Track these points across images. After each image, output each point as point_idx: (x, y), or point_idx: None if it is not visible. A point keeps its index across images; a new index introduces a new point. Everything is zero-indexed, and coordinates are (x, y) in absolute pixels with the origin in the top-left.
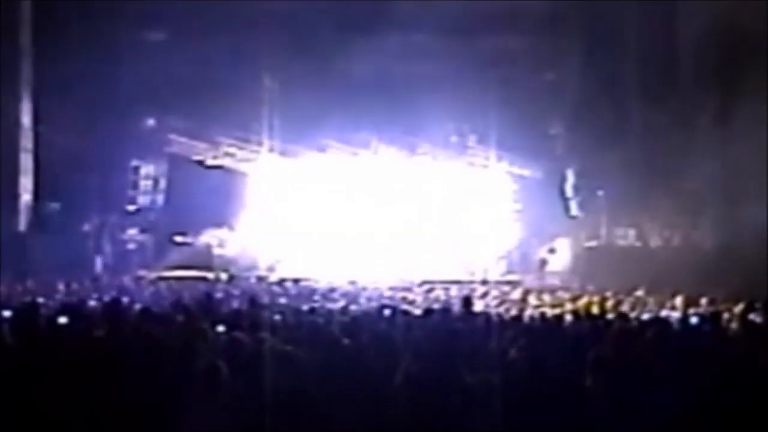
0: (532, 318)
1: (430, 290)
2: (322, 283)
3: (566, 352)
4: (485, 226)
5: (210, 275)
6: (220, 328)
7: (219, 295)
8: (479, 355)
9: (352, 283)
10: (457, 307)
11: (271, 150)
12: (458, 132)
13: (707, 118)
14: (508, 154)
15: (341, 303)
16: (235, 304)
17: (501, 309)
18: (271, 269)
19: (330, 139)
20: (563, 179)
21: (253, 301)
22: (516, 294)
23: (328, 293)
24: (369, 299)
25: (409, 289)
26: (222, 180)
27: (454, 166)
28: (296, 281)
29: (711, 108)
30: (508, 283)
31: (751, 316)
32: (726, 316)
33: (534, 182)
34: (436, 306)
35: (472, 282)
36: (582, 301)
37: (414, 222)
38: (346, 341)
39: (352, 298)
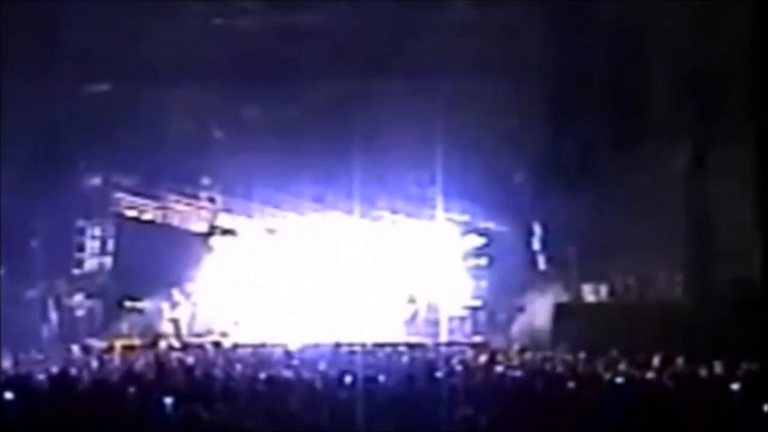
0: (500, 383)
1: (393, 353)
2: (278, 348)
3: (539, 419)
4: (448, 283)
5: (162, 342)
6: (174, 401)
7: (172, 364)
8: (444, 424)
9: (313, 346)
10: (421, 372)
11: (223, 206)
12: (418, 183)
13: (681, 164)
14: (472, 206)
15: (299, 370)
16: (189, 373)
17: (467, 373)
18: (225, 334)
19: (284, 193)
20: (530, 232)
21: (208, 370)
22: (483, 357)
23: (286, 359)
24: (329, 364)
25: (371, 353)
26: (173, 240)
27: (414, 220)
28: (252, 346)
29: (684, 155)
30: (474, 345)
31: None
32: (704, 375)
33: (499, 235)
34: (399, 370)
35: (436, 345)
36: (553, 363)
37: (373, 281)
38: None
39: (311, 363)
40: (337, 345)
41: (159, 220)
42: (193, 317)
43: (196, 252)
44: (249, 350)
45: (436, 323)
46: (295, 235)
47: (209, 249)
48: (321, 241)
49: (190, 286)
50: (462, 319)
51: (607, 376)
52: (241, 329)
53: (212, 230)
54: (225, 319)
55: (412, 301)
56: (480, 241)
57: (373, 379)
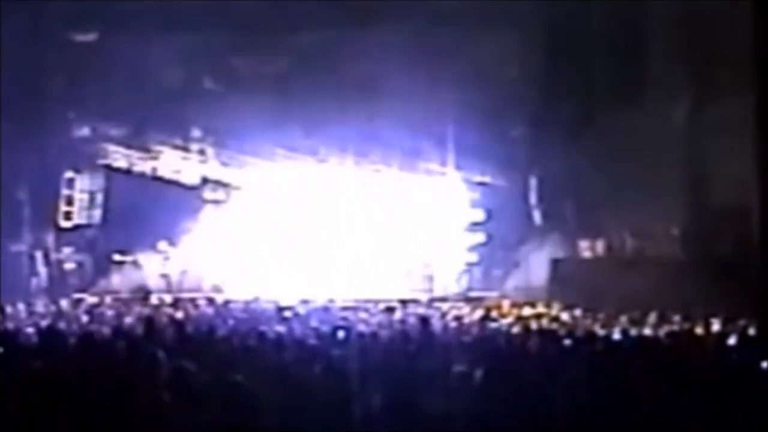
0: (495, 339)
1: (387, 309)
2: (271, 303)
3: (534, 377)
4: (443, 239)
5: (153, 297)
6: (165, 356)
7: (163, 319)
8: (440, 381)
9: (304, 302)
10: (415, 328)
11: (215, 158)
12: (412, 136)
13: (680, 117)
14: (468, 159)
15: (292, 325)
16: (180, 328)
17: (462, 329)
18: (217, 289)
19: (277, 146)
20: (526, 186)
21: (199, 325)
22: (478, 312)
23: (278, 315)
24: (322, 320)
25: (364, 309)
26: (164, 193)
27: (408, 174)
28: (245, 302)
29: (683, 108)
30: (470, 300)
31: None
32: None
33: (495, 190)
34: (394, 327)
35: (431, 300)
36: (548, 319)
37: (367, 236)
38: (297, 370)
39: (304, 319)
40: (331, 301)
41: (149, 172)
42: (184, 272)
43: (188, 205)
44: (241, 305)
45: (431, 279)
46: (288, 188)
47: (201, 202)
48: (314, 194)
49: (181, 240)
50: (457, 274)
51: (603, 332)
52: (233, 284)
53: (204, 183)
54: (217, 274)
55: (406, 256)
56: (476, 195)
57: (366, 335)
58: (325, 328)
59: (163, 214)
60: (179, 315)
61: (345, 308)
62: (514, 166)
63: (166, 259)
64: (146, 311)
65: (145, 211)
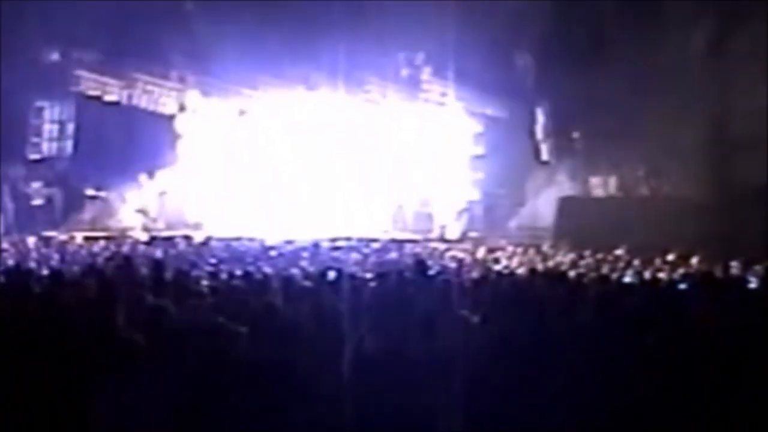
0: (498, 282)
1: (380, 250)
2: (255, 242)
3: (539, 321)
4: (442, 175)
5: (129, 235)
6: (141, 297)
7: (138, 258)
8: (438, 326)
9: (289, 242)
10: (410, 270)
11: (195, 86)
12: (410, 64)
13: (697, 47)
14: (469, 89)
15: (278, 265)
16: (157, 267)
17: (462, 271)
18: (197, 226)
19: (263, 74)
20: (533, 119)
21: (179, 264)
22: (479, 253)
23: (263, 254)
24: (310, 260)
25: (356, 249)
26: (141, 123)
27: (405, 104)
28: (227, 241)
29: (701, 37)
30: (470, 240)
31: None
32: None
33: (499, 123)
34: (387, 268)
35: (428, 240)
36: (556, 262)
37: (359, 171)
38: (285, 311)
39: (291, 259)
40: (320, 240)
41: (124, 100)
42: (162, 207)
43: (166, 136)
44: (223, 244)
45: (428, 218)
46: (275, 119)
47: (180, 133)
48: (303, 126)
49: (159, 174)
50: (457, 213)
51: (615, 275)
52: (214, 222)
53: (183, 112)
54: (198, 211)
55: (402, 194)
56: (478, 127)
57: (357, 276)
58: (315, 269)
59: (139, 146)
60: (157, 253)
61: (335, 248)
62: (519, 97)
63: (143, 194)
64: (121, 249)
65: (120, 142)
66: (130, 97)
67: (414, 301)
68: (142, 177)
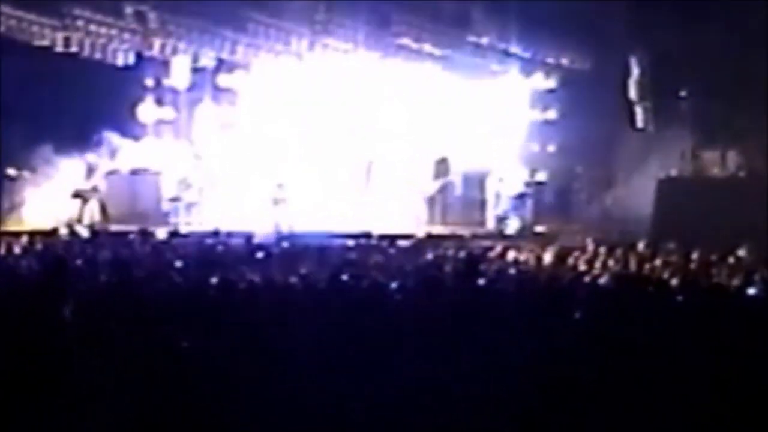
0: (571, 293)
1: (412, 250)
2: (239, 238)
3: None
4: (497, 147)
5: (64, 230)
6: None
7: (78, 262)
8: (492, 363)
9: (286, 238)
10: (450, 277)
11: (160, 27)
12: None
13: None
14: (537, 33)
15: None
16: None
17: (526, 280)
18: (166, 217)
19: (256, 14)
20: (626, 72)
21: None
22: (548, 255)
23: (249, 254)
24: (314, 264)
25: (378, 249)
26: (86, 77)
27: (449, 55)
28: (201, 236)
29: None
30: (537, 236)
31: None
32: None
33: (578, 77)
34: (419, 273)
35: (477, 237)
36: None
37: (390, 148)
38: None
39: (287, 262)
40: (328, 236)
41: (62, 47)
42: (114, 192)
43: (121, 95)
44: (195, 241)
45: (480, 205)
46: (269, 78)
47: (141, 92)
48: (308, 87)
49: (111, 145)
50: (519, 198)
51: (734, 284)
52: (186, 212)
53: (141, 63)
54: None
55: (442, 172)
56: (547, 84)
57: (379, 286)
58: (320, 275)
59: (85, 108)
60: (104, 254)
61: (351, 248)
62: (607, 42)
63: (90, 172)
64: (54, 249)
65: (58, 103)
66: (66, 41)
67: (459, 324)
68: (90, 153)
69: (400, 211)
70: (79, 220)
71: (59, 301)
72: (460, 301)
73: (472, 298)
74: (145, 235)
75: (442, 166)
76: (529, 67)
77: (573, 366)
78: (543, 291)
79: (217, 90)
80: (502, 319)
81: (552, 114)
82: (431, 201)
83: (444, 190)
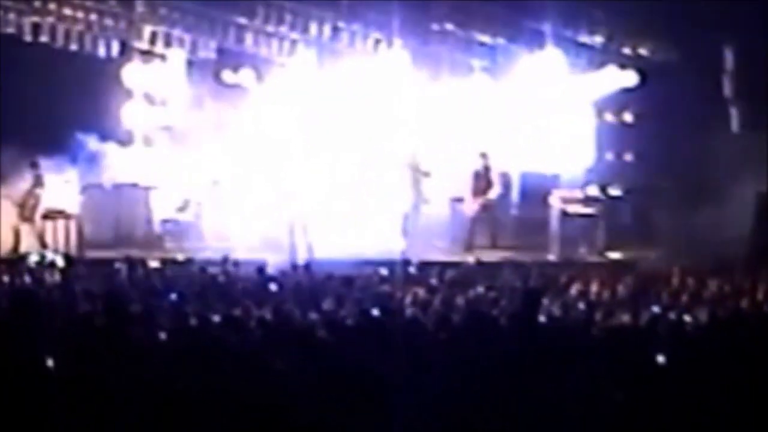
0: (652, 336)
1: (458, 280)
2: (247, 266)
3: None
4: (566, 158)
5: (33, 257)
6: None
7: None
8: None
9: (301, 267)
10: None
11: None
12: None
13: None
14: (608, 19)
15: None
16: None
17: (595, 317)
18: (150, 240)
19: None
20: (718, 66)
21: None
22: (624, 287)
23: (261, 284)
24: (337, 299)
25: (422, 280)
26: (60, 69)
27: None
28: (201, 264)
29: None
30: (611, 263)
31: None
32: None
33: (660, 72)
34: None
35: (539, 264)
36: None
37: (431, 158)
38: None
39: (306, 295)
40: (357, 263)
41: (31, 34)
42: (94, 211)
43: (103, 93)
44: (194, 270)
45: (541, 226)
46: (284, 74)
47: (124, 86)
48: (330, 83)
49: (89, 152)
50: (588, 218)
51: None
52: (181, 231)
53: (126, 53)
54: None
55: (485, 186)
56: (627, 78)
57: (418, 325)
58: (347, 312)
59: (52, 107)
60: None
61: (384, 278)
62: (694, 34)
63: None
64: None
65: (17, 100)
66: (36, 27)
67: (517, 374)
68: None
69: (440, 233)
70: (44, 246)
71: (28, 346)
72: (517, 344)
73: (532, 340)
74: (133, 263)
75: (487, 178)
76: (600, 59)
77: (656, 424)
78: (618, 332)
79: (220, 87)
80: (569, 366)
81: (628, 116)
82: (477, 221)
83: (495, 207)
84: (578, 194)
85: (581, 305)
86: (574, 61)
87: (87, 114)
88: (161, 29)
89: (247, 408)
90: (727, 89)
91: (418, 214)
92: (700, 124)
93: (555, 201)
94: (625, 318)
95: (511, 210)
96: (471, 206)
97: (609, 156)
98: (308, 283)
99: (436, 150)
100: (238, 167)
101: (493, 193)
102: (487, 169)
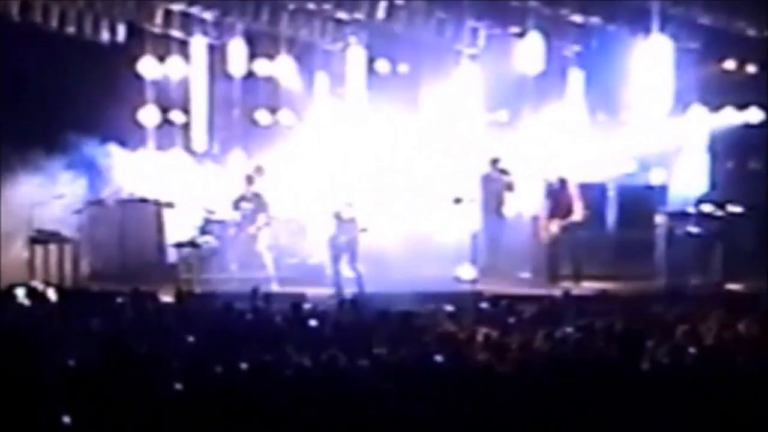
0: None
1: (546, 315)
2: (285, 299)
3: None
4: (673, 167)
5: (20, 289)
6: None
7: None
8: None
9: (356, 301)
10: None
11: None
12: None
13: None
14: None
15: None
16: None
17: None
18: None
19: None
20: None
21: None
22: (745, 326)
23: (296, 324)
24: (405, 329)
25: (496, 317)
26: (49, 57)
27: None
28: (222, 299)
29: None
30: (729, 297)
31: None
32: None
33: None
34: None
35: (638, 298)
36: None
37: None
38: None
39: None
40: (417, 298)
41: (19, 16)
42: (94, 232)
43: (104, 82)
44: (217, 307)
45: (643, 251)
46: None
47: (138, 84)
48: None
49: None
50: (700, 239)
51: None
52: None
53: (132, 40)
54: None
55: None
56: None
57: (490, 373)
58: (402, 355)
59: (45, 102)
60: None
61: (450, 314)
62: None
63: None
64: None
65: (15, 94)
66: (26, 8)
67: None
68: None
69: (519, 259)
70: (32, 275)
71: (21, 393)
72: (614, 398)
73: (632, 393)
74: (141, 297)
75: (564, 194)
76: (709, 41)
77: None
78: (738, 378)
79: (249, 81)
80: (679, 425)
81: (755, 114)
82: (557, 244)
83: (578, 228)
84: (690, 211)
85: (693, 350)
86: (683, 44)
87: (86, 110)
88: (177, 7)
89: None
90: None
91: (493, 236)
92: None
93: (661, 219)
94: (748, 366)
95: (607, 230)
96: (544, 232)
97: (729, 164)
98: (356, 322)
99: (518, 158)
100: (274, 179)
101: (577, 215)
102: (563, 183)
